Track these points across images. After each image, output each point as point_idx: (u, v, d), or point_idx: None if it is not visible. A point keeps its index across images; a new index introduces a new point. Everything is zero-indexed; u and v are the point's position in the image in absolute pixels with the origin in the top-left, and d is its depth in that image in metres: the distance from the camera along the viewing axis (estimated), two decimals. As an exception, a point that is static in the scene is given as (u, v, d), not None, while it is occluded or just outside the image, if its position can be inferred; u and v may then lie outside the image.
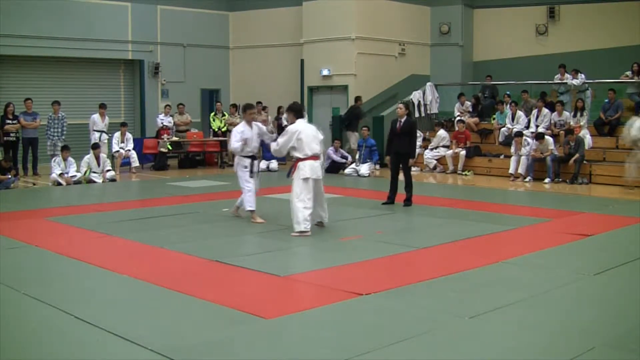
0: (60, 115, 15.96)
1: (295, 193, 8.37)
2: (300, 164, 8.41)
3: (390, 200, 10.99)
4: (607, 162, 14.67)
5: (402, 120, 10.88)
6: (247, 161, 9.33)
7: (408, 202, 10.86)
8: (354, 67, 19.03)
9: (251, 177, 9.30)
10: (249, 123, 9.42)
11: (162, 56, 20.26)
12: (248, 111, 9.57)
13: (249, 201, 9.32)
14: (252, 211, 9.36)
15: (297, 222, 8.28)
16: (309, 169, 8.37)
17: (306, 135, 8.45)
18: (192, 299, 5.77)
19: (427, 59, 21.04)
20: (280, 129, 19.19)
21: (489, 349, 4.59)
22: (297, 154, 8.48)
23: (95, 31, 18.69)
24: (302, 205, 8.28)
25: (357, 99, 18.08)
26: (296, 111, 8.78)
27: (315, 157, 8.47)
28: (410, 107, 18.06)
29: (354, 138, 17.34)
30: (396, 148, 10.91)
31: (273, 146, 8.91)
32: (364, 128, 16.45)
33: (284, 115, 18.81)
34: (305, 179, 8.33)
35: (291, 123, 8.74)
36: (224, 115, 18.61)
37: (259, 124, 9.63)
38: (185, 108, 18.75)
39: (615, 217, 9.88)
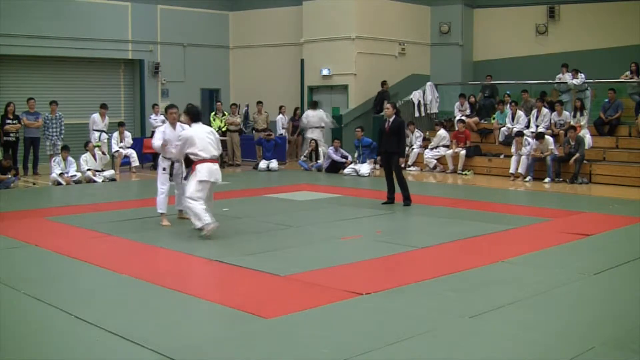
0: (57, 115, 15.95)
1: (190, 193, 8.24)
2: (198, 166, 8.28)
3: (390, 199, 10.99)
4: (607, 162, 14.67)
5: (391, 120, 10.93)
6: (167, 163, 9.15)
7: (407, 201, 10.84)
8: (354, 67, 19.04)
9: (171, 180, 9.14)
10: (173, 124, 9.18)
11: (162, 56, 20.26)
12: (169, 111, 9.26)
13: (159, 203, 9.16)
14: (161, 214, 9.18)
15: (199, 218, 8.16)
16: (207, 172, 8.25)
17: (200, 139, 8.30)
18: (192, 298, 5.77)
19: (427, 58, 21.05)
20: (296, 130, 19.26)
21: (489, 349, 4.59)
22: (193, 158, 8.34)
23: (96, 31, 18.69)
24: (197, 202, 8.17)
25: (384, 83, 18.30)
26: (192, 114, 8.62)
27: (213, 160, 8.35)
28: (410, 105, 18.17)
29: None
30: (385, 148, 11.00)
31: (172, 152, 8.84)
32: (357, 129, 16.44)
33: (304, 115, 18.84)
34: (202, 181, 8.23)
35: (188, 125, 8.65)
36: (224, 114, 18.59)
37: (184, 125, 9.23)
38: (186, 108, 18.73)
39: (615, 217, 9.88)
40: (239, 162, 18.28)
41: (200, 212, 8.15)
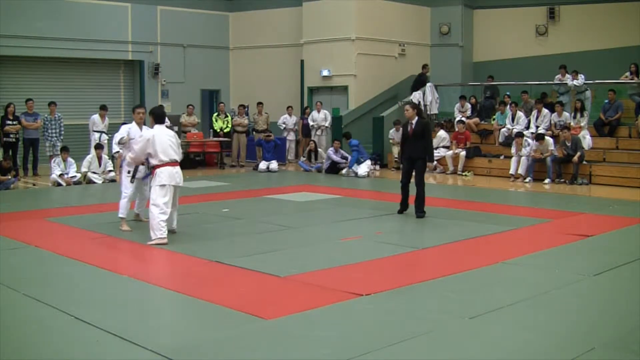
0: (57, 116, 15.94)
1: (152, 199, 8.14)
2: (158, 170, 8.15)
3: (404, 207, 10.23)
4: (607, 163, 14.68)
5: (414, 122, 9.94)
6: (132, 166, 8.88)
7: (422, 213, 9.90)
8: (354, 68, 19.04)
9: (132, 182, 8.89)
10: (139, 125, 8.98)
11: (162, 57, 20.26)
12: (136, 110, 9.11)
13: (122, 206, 8.99)
14: (121, 218, 9.00)
15: (152, 229, 8.01)
16: (167, 176, 8.10)
17: (160, 141, 8.13)
18: (192, 299, 5.77)
19: (427, 59, 21.02)
20: (305, 128, 19.24)
21: (489, 349, 4.59)
22: (153, 161, 8.21)
23: (95, 32, 18.69)
24: (157, 210, 7.99)
25: (424, 66, 18.73)
26: (156, 115, 8.44)
27: (173, 163, 8.20)
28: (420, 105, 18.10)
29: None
30: (409, 153, 10.03)
31: (129, 155, 8.63)
32: (336, 141, 16.58)
33: (311, 115, 18.88)
34: (162, 186, 8.08)
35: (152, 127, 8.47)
36: (226, 116, 18.57)
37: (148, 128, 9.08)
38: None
39: (615, 218, 9.88)
40: (243, 163, 18.31)
41: (156, 225, 7.96)
